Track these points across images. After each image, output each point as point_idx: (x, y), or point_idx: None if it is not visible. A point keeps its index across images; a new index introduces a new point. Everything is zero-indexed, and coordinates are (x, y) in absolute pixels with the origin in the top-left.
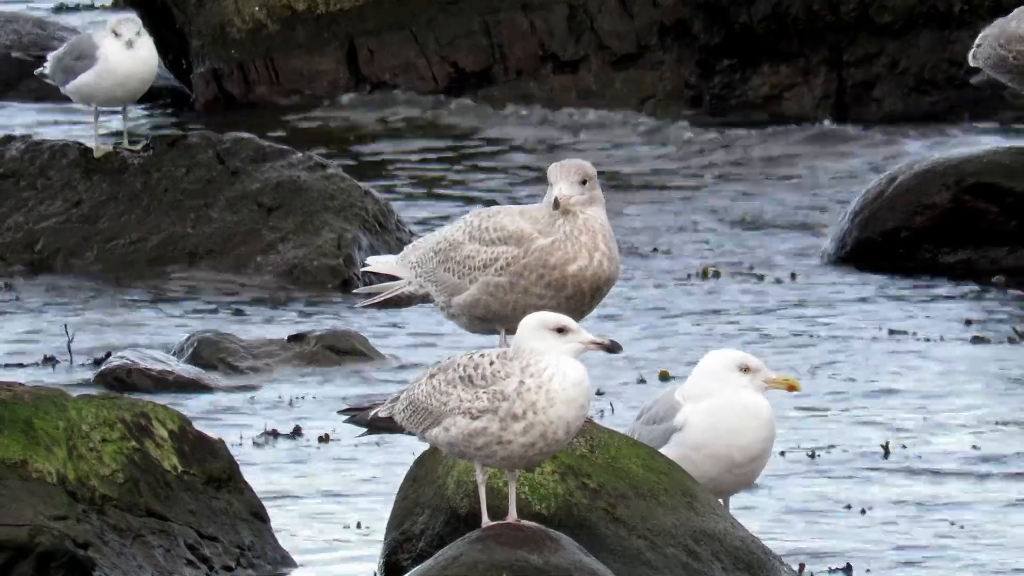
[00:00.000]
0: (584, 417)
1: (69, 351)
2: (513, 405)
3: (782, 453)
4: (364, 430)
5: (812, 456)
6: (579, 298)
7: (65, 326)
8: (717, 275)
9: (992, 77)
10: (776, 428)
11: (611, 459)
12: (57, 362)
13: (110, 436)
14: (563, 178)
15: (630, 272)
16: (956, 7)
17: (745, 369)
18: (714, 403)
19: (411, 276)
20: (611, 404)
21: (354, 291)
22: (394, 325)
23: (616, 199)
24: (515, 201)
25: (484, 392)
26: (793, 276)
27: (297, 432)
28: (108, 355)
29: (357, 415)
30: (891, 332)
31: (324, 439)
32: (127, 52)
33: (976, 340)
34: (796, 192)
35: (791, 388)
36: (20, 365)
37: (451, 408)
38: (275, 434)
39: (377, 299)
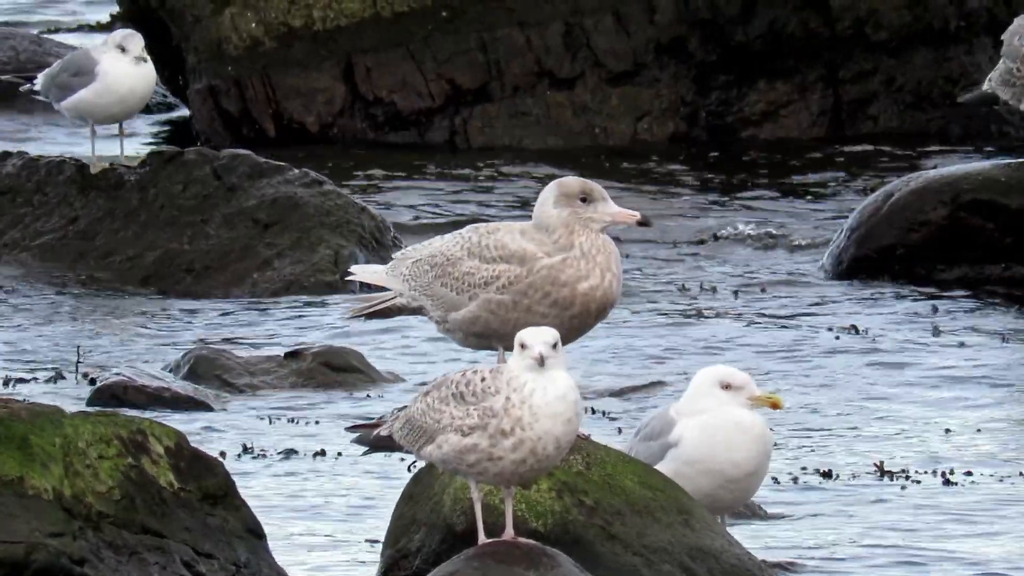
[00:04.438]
0: (575, 432)
1: (76, 370)
2: (501, 422)
3: (774, 479)
4: (367, 448)
5: (807, 472)
6: (583, 317)
7: (78, 348)
8: (713, 290)
9: (980, 95)
10: (771, 444)
11: (607, 476)
12: (55, 379)
13: (106, 453)
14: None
15: (625, 287)
16: (952, 24)
17: (727, 386)
18: (708, 419)
19: (403, 288)
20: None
21: (340, 300)
22: (392, 341)
23: None
24: (511, 218)
25: (475, 409)
26: (789, 292)
27: (293, 449)
28: (105, 372)
29: (363, 433)
30: (888, 349)
31: (321, 455)
32: (132, 68)
33: (972, 356)
34: (792, 209)
35: (774, 406)
36: (20, 380)
37: (444, 425)
38: (271, 450)
39: (366, 309)
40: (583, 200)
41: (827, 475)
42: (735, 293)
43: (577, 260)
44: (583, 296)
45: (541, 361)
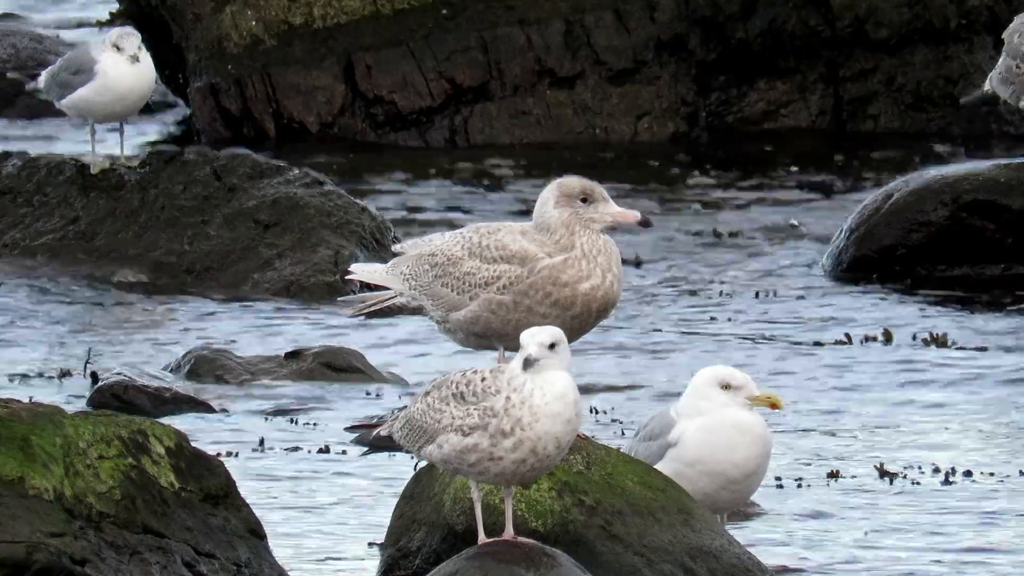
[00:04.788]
0: (575, 431)
1: (85, 370)
2: (501, 422)
3: (776, 479)
4: (367, 448)
5: (808, 472)
6: (584, 318)
7: (89, 350)
8: (729, 294)
9: (981, 96)
10: (771, 445)
11: (608, 476)
12: (55, 379)
13: (107, 453)
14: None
15: (627, 285)
16: (952, 23)
17: (726, 386)
18: (708, 420)
19: (403, 287)
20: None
21: (339, 299)
22: (392, 341)
23: None
24: (511, 218)
25: (475, 409)
26: (789, 292)
27: (294, 448)
28: (105, 372)
29: (362, 433)
30: (888, 349)
31: (321, 454)
32: (128, 67)
33: (972, 357)
34: (792, 208)
35: (773, 406)
36: (21, 379)
37: (444, 425)
38: (272, 450)
39: (365, 308)
40: (583, 200)
41: (828, 475)
42: (734, 292)
43: (578, 260)
44: (584, 296)
45: (526, 364)
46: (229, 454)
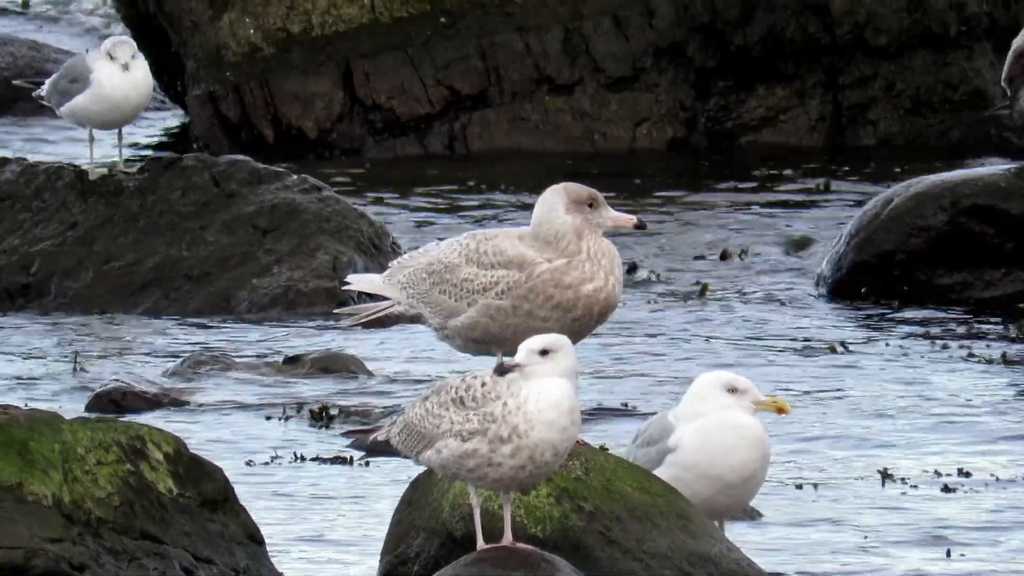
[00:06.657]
0: (573, 439)
1: (75, 370)
2: (500, 428)
3: (788, 482)
4: (363, 453)
5: (807, 478)
6: (585, 320)
7: (75, 354)
8: (714, 296)
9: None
10: (769, 449)
11: (606, 481)
12: (54, 385)
13: (105, 459)
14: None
15: (624, 295)
16: (952, 29)
17: (732, 390)
18: (705, 424)
19: (400, 296)
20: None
21: (336, 310)
22: (390, 346)
23: None
24: (510, 224)
25: (475, 414)
26: (788, 297)
27: (292, 454)
28: (103, 377)
29: (359, 438)
30: (888, 355)
31: (318, 460)
32: (122, 75)
33: (971, 360)
34: (791, 214)
35: (780, 411)
36: (19, 386)
37: (443, 430)
38: (270, 456)
39: (364, 318)
40: (590, 206)
41: (828, 481)
42: (732, 297)
43: (582, 263)
44: (586, 298)
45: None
46: (225, 459)
